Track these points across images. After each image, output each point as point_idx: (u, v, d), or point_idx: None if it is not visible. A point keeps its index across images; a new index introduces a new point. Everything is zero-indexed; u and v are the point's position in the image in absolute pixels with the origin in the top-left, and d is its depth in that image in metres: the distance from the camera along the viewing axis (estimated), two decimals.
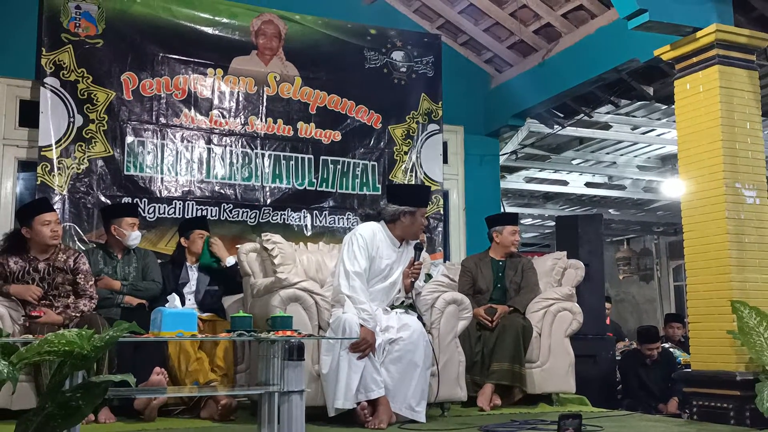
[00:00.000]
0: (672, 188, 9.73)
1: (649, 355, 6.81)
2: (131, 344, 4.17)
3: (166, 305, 3.44)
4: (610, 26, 6.31)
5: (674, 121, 5.65)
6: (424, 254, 4.54)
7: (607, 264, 9.76)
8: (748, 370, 4.77)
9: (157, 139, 6.18)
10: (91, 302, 4.42)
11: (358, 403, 4.02)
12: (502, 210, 8.03)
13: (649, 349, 6.80)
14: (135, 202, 5.94)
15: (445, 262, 6.59)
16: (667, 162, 10.11)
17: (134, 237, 4.91)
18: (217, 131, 6.40)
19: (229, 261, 5.01)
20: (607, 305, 9.72)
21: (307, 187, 6.64)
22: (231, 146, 6.43)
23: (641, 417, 4.92)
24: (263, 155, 6.52)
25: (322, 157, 6.72)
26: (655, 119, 8.52)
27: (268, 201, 6.49)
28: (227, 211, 6.32)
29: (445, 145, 7.36)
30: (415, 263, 4.39)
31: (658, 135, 9.10)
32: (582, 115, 7.76)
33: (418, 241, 4.52)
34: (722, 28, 5.07)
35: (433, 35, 7.50)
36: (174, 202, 6.15)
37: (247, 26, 6.62)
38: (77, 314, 4.34)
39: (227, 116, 6.45)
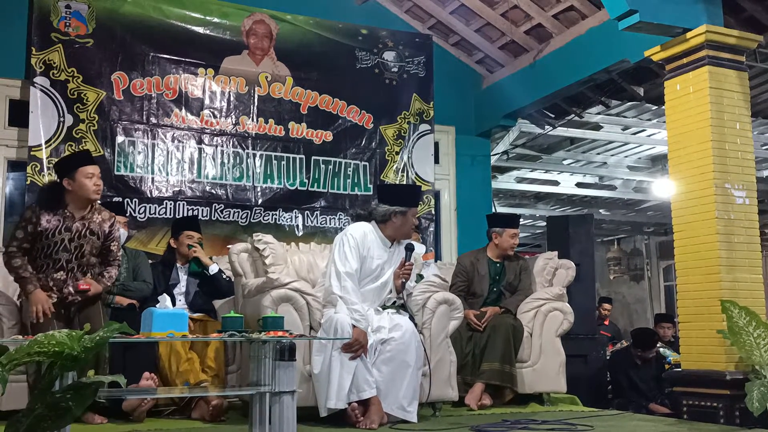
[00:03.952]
0: (662, 188, 9.77)
1: (640, 357, 6.82)
2: (122, 345, 4.16)
3: (157, 306, 3.43)
4: (601, 27, 6.33)
5: (664, 122, 5.67)
6: (415, 254, 4.53)
7: (598, 264, 9.80)
8: (737, 369, 4.79)
9: (148, 139, 6.16)
10: (117, 270, 4.31)
11: (350, 404, 4.02)
12: (494, 210, 8.05)
13: (643, 354, 6.79)
14: (125, 202, 5.92)
15: (436, 261, 6.60)
16: (658, 162, 10.16)
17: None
18: (208, 131, 6.39)
19: (212, 269, 4.96)
20: (607, 306, 9.78)
21: (299, 188, 6.64)
22: (222, 146, 6.42)
23: (632, 416, 4.94)
24: (254, 155, 6.51)
25: (313, 158, 6.72)
26: (646, 120, 8.56)
27: (260, 201, 6.48)
28: (218, 211, 6.31)
29: (436, 145, 7.38)
30: (406, 264, 4.39)
31: (649, 135, 9.14)
32: (573, 115, 7.79)
33: (409, 241, 4.52)
34: (712, 29, 5.10)
35: (424, 35, 7.51)
36: (165, 202, 6.13)
37: (238, 26, 6.62)
38: (110, 283, 4.24)
39: (218, 116, 6.44)
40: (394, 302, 4.43)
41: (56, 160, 4.90)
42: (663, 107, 5.74)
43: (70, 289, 4.04)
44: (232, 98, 6.51)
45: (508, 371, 4.93)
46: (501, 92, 7.55)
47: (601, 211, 12.48)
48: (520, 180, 10.64)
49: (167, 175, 6.19)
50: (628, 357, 6.94)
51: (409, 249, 4.42)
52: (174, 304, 4.48)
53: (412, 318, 4.36)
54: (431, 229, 7.16)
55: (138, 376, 4.07)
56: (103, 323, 4.08)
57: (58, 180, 4.14)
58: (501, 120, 7.64)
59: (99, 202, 4.27)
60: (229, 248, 4.84)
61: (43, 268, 4.04)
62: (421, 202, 7.00)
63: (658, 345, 7.08)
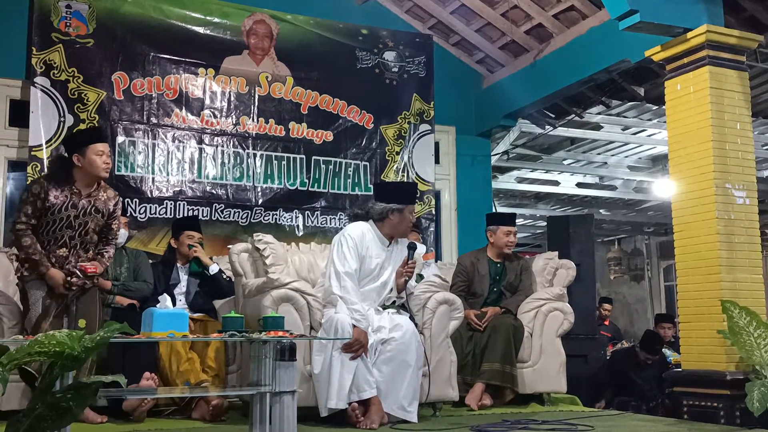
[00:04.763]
0: (663, 189, 9.77)
1: (644, 359, 6.84)
2: (122, 345, 4.15)
3: (158, 306, 3.43)
4: (601, 27, 6.33)
5: (665, 122, 5.67)
6: (416, 254, 4.53)
7: (598, 264, 9.80)
8: (738, 369, 4.80)
9: (148, 139, 6.16)
10: (114, 250, 4.29)
11: (350, 404, 4.02)
12: (494, 210, 8.05)
13: (647, 357, 6.82)
14: (126, 202, 5.92)
15: (436, 261, 6.60)
16: (658, 162, 10.15)
17: (120, 235, 4.84)
18: (208, 131, 6.39)
19: (212, 269, 4.97)
20: (608, 306, 9.79)
21: (299, 188, 6.64)
22: (222, 146, 6.42)
23: (632, 416, 4.94)
24: (255, 155, 6.51)
25: (314, 158, 6.72)
26: (646, 120, 8.56)
27: (260, 201, 6.48)
28: (219, 211, 6.31)
29: (436, 145, 7.38)
30: (409, 262, 4.40)
31: (649, 135, 9.14)
32: (573, 115, 7.79)
33: (411, 240, 4.53)
34: (712, 29, 5.10)
35: (424, 35, 7.51)
36: (165, 202, 6.13)
37: (239, 26, 6.62)
38: (109, 264, 4.24)
39: (219, 116, 6.44)
40: (394, 302, 4.43)
41: (72, 133, 4.87)
42: (663, 107, 5.74)
43: (77, 272, 3.99)
44: (232, 98, 6.51)
45: (509, 371, 4.92)
46: (501, 92, 7.55)
47: (601, 211, 12.48)
48: (521, 180, 10.64)
49: (168, 175, 6.20)
50: (631, 356, 6.94)
51: (411, 248, 4.43)
52: (174, 304, 4.48)
53: (412, 318, 4.36)
54: (431, 229, 7.15)
55: (138, 376, 4.07)
56: (99, 318, 4.09)
57: (68, 155, 4.06)
58: (501, 120, 7.64)
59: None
60: (230, 248, 4.84)
61: (44, 245, 3.98)
62: (420, 202, 7.01)
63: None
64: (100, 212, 4.10)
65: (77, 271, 3.99)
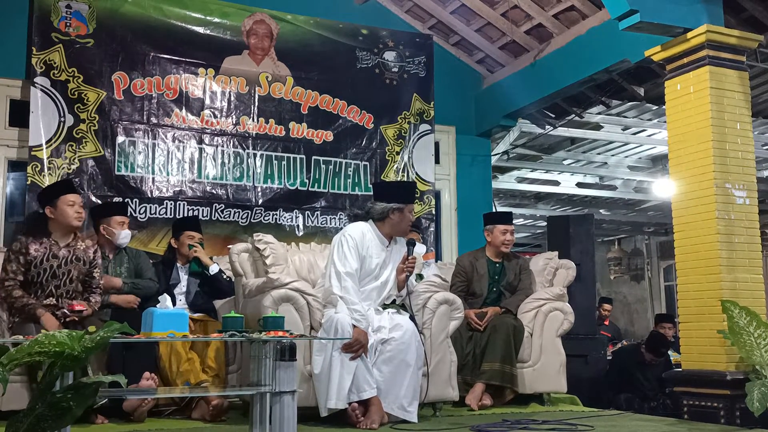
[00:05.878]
0: (663, 188, 9.77)
1: (650, 360, 6.84)
2: (122, 345, 4.16)
3: (158, 305, 3.43)
4: (602, 27, 6.33)
5: (665, 122, 5.68)
6: (416, 252, 4.54)
7: (598, 264, 9.81)
8: (738, 369, 4.80)
9: (149, 138, 6.16)
10: (100, 297, 4.42)
11: (350, 404, 4.02)
12: (493, 210, 8.04)
13: (652, 358, 6.83)
14: (126, 202, 5.92)
15: (436, 261, 6.59)
16: (658, 162, 10.15)
17: (124, 236, 4.85)
18: (208, 131, 6.39)
19: (212, 269, 4.98)
20: (608, 307, 9.80)
21: (299, 188, 6.64)
22: (222, 146, 6.42)
23: (632, 416, 4.94)
24: (255, 155, 6.51)
25: (314, 157, 6.72)
26: (646, 120, 8.56)
27: (260, 201, 6.48)
28: (219, 211, 6.31)
29: (436, 145, 7.38)
30: (409, 258, 4.40)
31: (649, 135, 9.14)
32: (573, 115, 7.79)
33: (410, 238, 4.54)
34: (713, 29, 5.10)
35: (424, 35, 7.51)
36: (165, 202, 6.13)
37: (239, 26, 6.62)
38: (97, 308, 4.35)
39: (219, 116, 6.44)
40: (394, 300, 4.44)
41: (44, 187, 5.19)
42: (663, 107, 5.74)
43: (65, 311, 4.14)
44: (232, 98, 6.51)
45: (509, 371, 4.92)
46: (501, 92, 7.55)
47: (601, 211, 12.48)
48: (521, 180, 10.63)
49: (168, 175, 6.19)
50: (636, 355, 6.94)
51: (411, 244, 4.45)
52: (174, 304, 4.48)
53: (412, 317, 4.36)
54: (432, 229, 7.15)
55: (138, 376, 4.07)
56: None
57: (41, 209, 4.32)
58: (501, 120, 7.63)
59: (83, 224, 4.47)
60: (230, 248, 4.84)
61: (32, 296, 4.15)
62: (420, 202, 7.01)
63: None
64: (80, 260, 4.32)
65: (65, 310, 4.15)
